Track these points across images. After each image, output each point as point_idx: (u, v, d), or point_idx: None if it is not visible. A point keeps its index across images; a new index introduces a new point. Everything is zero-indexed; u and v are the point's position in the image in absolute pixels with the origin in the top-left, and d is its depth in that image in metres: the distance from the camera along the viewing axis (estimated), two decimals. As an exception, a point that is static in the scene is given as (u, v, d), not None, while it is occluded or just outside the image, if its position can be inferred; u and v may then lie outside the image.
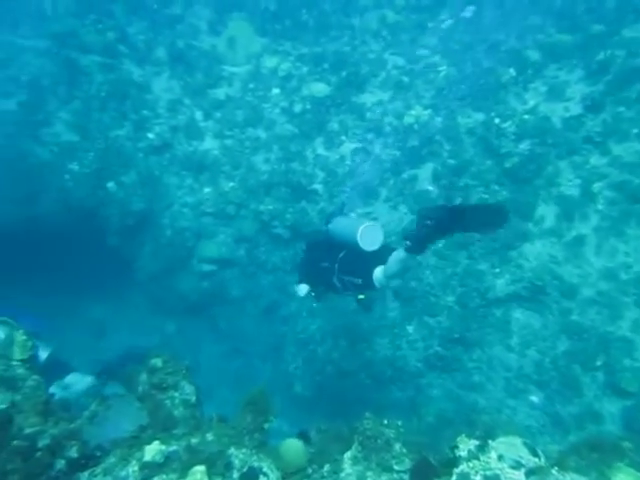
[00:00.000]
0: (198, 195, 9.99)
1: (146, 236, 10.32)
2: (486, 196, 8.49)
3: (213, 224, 10.01)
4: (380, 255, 4.86)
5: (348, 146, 9.67)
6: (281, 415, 9.21)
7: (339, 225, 5.31)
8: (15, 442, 2.77)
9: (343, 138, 9.80)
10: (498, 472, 3.01)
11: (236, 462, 3.08)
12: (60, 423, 3.27)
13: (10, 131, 9.31)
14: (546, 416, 7.63)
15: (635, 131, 8.16)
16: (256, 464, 3.00)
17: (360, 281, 5.03)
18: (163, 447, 2.99)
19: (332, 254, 5.31)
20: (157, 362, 3.68)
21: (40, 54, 10.08)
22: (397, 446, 3.31)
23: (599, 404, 7.38)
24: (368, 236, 4.83)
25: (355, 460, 3.26)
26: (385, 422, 3.43)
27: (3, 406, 3.43)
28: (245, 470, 2.95)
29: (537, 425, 7.61)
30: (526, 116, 8.37)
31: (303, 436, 3.53)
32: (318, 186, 9.60)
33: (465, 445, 3.28)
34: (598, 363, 7.50)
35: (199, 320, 10.53)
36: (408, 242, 4.32)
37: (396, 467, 3.22)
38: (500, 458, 3.12)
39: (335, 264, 5.25)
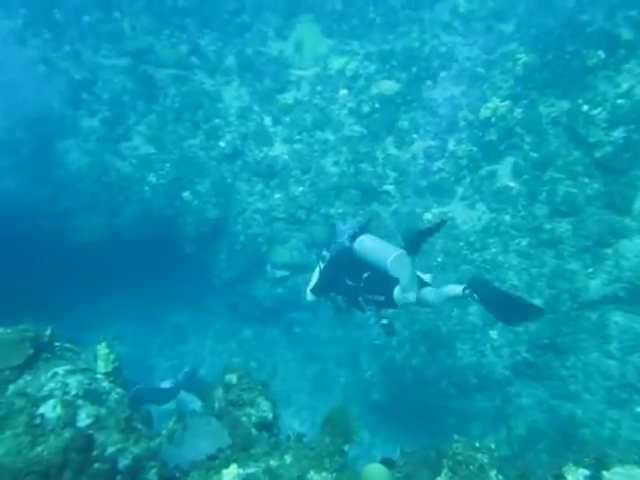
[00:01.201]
0: (269, 201, 9.99)
1: (221, 243, 10.47)
2: (574, 190, 7.83)
3: (285, 229, 9.97)
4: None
5: (420, 144, 9.29)
6: (361, 422, 9.06)
7: (367, 248, 5.31)
8: (97, 465, 2.74)
9: (414, 136, 9.43)
10: (616, 510, 2.62)
11: (317, 487, 2.90)
12: (141, 441, 3.23)
13: (94, 147, 9.76)
14: (655, 430, 6.89)
15: None
16: (338, 491, 2.80)
17: (383, 298, 5.17)
18: (241, 470, 2.87)
19: (357, 273, 5.36)
20: (232, 378, 3.59)
21: (120, 72, 10.49)
22: (492, 473, 2.99)
23: None
24: (397, 264, 4.96)
25: (446, 487, 2.98)
26: (477, 445, 3.11)
27: (89, 420, 3.45)
28: (327, 497, 2.75)
29: (645, 440, 6.89)
30: (620, 100, 7.62)
31: (388, 462, 3.28)
32: (389, 187, 9.29)
33: (573, 475, 2.91)
34: None
35: (274, 326, 10.54)
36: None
37: (492, 497, 2.90)
38: (616, 493, 2.72)
39: (360, 283, 5.32)
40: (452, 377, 8.09)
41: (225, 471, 2.86)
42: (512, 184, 8.43)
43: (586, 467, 2.89)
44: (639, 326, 7.28)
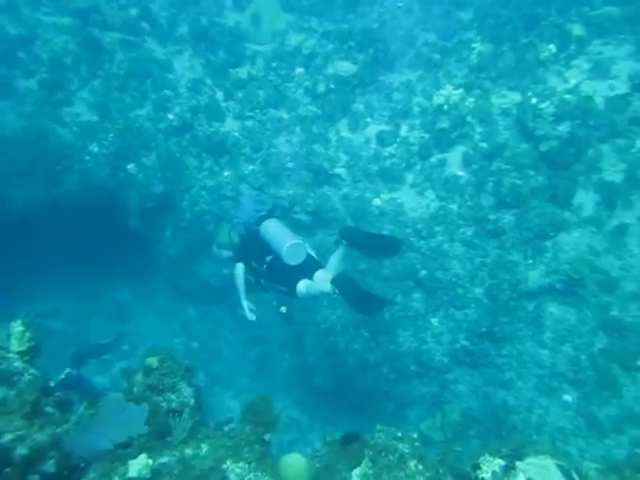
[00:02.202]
0: (218, 178, 9.71)
1: (167, 219, 10.14)
2: (520, 182, 7.95)
3: (232, 207, 9.73)
4: (306, 268, 5.39)
5: (374, 128, 9.20)
6: (301, 407, 9.07)
7: (269, 232, 5.55)
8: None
9: (368, 120, 9.32)
10: (527, 502, 2.64)
11: (232, 477, 2.79)
12: (47, 427, 3.03)
13: (31, 111, 9.17)
14: (581, 417, 7.18)
15: (688, 112, 7.49)
16: (252, 482, 2.70)
17: (285, 289, 5.47)
18: (151, 460, 2.72)
19: (261, 255, 5.63)
20: (153, 362, 3.41)
21: (62, 31, 9.84)
22: (412, 463, 2.96)
23: None
24: (293, 252, 5.25)
25: (365, 478, 2.93)
26: (399, 435, 3.08)
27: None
28: (240, 489, 2.65)
29: (571, 427, 7.18)
30: (567, 96, 7.74)
31: (350, 437, 3.19)
32: (341, 170, 9.18)
33: (489, 465, 2.92)
34: (639, 363, 6.99)
35: (219, 307, 10.35)
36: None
37: (410, 488, 2.88)
38: (529, 485, 2.74)
39: (263, 265, 5.60)
40: (393, 363, 8.16)
41: (133, 462, 2.71)
42: (461, 173, 8.47)
43: (502, 457, 2.90)
44: (572, 317, 7.52)
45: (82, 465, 2.79)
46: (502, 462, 2.89)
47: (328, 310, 8.98)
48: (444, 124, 8.49)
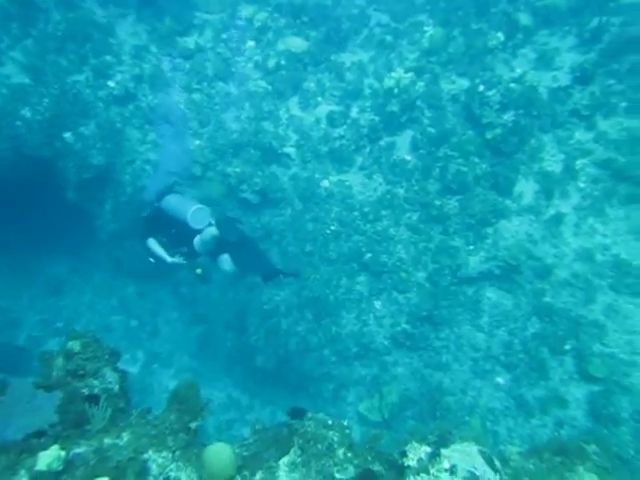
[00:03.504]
0: (162, 152, 9.32)
1: (106, 193, 9.69)
2: (465, 169, 8.06)
3: (177, 184, 9.38)
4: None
5: (324, 108, 9.06)
6: (242, 387, 9.00)
7: (171, 205, 6.02)
8: None
9: (319, 99, 9.17)
10: (449, 489, 2.67)
11: (153, 468, 2.68)
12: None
13: None
14: (511, 398, 7.46)
15: (623, 105, 7.78)
16: (174, 473, 2.60)
17: (186, 249, 5.93)
18: (63, 452, 2.56)
19: (167, 229, 6.03)
20: (75, 345, 3.22)
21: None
22: (341, 451, 2.95)
23: (565, 388, 7.23)
24: (197, 217, 5.73)
25: (292, 467, 2.89)
26: (330, 423, 3.05)
27: None
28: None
29: (501, 407, 7.46)
30: (512, 85, 7.85)
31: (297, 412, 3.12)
32: (290, 149, 9.01)
33: (415, 453, 2.94)
34: (567, 347, 7.33)
35: (161, 285, 10.06)
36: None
37: (338, 475, 2.87)
38: (453, 471, 2.78)
39: (169, 237, 6.03)
40: (335, 345, 8.20)
41: (43, 453, 2.55)
42: (409, 158, 8.50)
43: (429, 444, 2.93)
44: (508, 302, 7.76)
45: (-13, 457, 2.60)
46: (428, 449, 2.92)
47: (272, 291, 8.90)
48: (394, 107, 8.45)
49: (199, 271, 6.05)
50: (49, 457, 2.52)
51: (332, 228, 8.67)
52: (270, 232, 9.22)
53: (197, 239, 5.84)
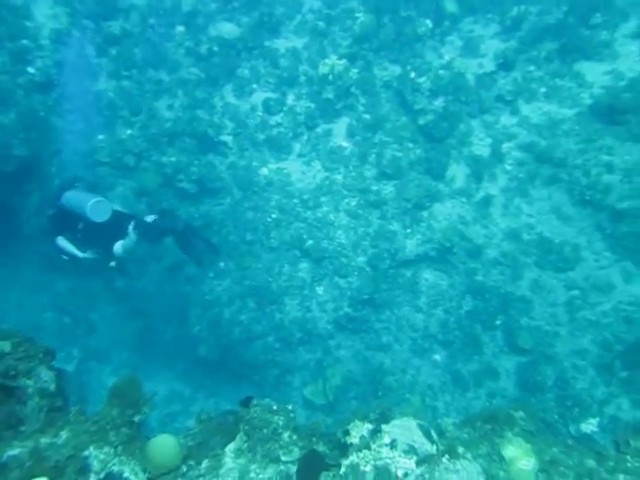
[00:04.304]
0: (91, 141, 8.95)
1: (32, 186, 9.20)
2: (400, 154, 8.27)
3: (110, 175, 9.07)
4: (116, 227, 5.90)
5: (260, 95, 8.99)
6: (185, 379, 8.89)
7: (70, 200, 5.99)
8: None
9: (255, 86, 9.08)
10: (389, 461, 2.80)
11: (95, 464, 2.64)
12: None
13: None
14: (448, 374, 7.82)
15: (543, 91, 8.22)
16: (117, 467, 2.57)
17: (102, 251, 5.97)
18: (-3, 455, 2.48)
19: (73, 225, 6.00)
20: (5, 346, 3.09)
21: None
22: (286, 435, 3.01)
23: (497, 361, 7.66)
24: (97, 210, 5.68)
25: (239, 453, 2.93)
26: (275, 408, 3.11)
27: None
28: (102, 476, 2.51)
29: (439, 383, 7.79)
30: (441, 71, 8.12)
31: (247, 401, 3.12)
32: (227, 138, 8.90)
33: (358, 431, 3.05)
34: (498, 322, 7.74)
35: (94, 279, 9.69)
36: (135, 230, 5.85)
37: (284, 458, 2.93)
38: (393, 445, 2.91)
39: (78, 234, 6.00)
40: (279, 332, 8.25)
41: (-25, 458, 2.45)
42: (345, 144, 8.62)
43: (370, 422, 3.04)
44: (444, 283, 8.10)
45: None
46: (370, 426, 3.03)
47: (214, 281, 8.82)
48: (329, 94, 8.52)
49: (113, 264, 6.04)
50: (-19, 462, 2.43)
51: (273, 216, 8.67)
52: (210, 222, 9.09)
53: (119, 248, 5.88)
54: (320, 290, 8.42)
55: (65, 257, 6.29)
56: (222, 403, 8.13)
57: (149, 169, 9.04)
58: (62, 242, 6.19)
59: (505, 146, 8.14)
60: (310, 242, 8.43)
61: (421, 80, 8.08)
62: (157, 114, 9.02)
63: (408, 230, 8.23)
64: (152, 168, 9.02)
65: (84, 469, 2.58)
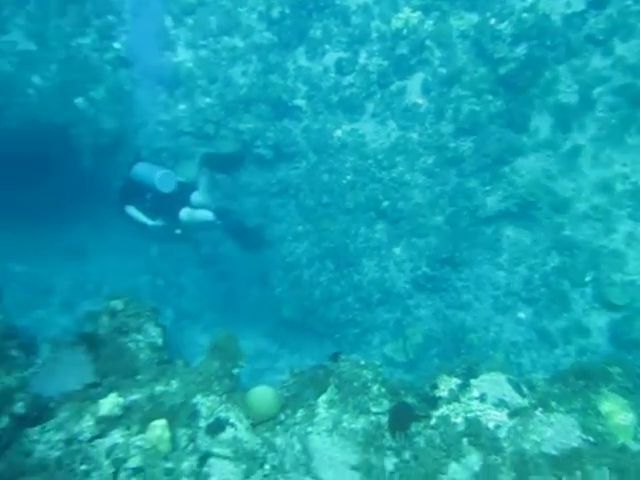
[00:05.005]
0: (173, 112, 9.34)
1: (122, 157, 9.77)
2: (478, 108, 7.95)
3: (192, 144, 9.44)
4: (180, 197, 6.43)
5: (332, 56, 8.90)
6: (270, 337, 9.33)
7: (139, 173, 6.52)
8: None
9: (327, 47, 8.98)
10: (480, 414, 2.85)
11: (203, 411, 2.91)
12: (13, 371, 3.05)
13: None
14: (533, 332, 7.64)
15: (643, 27, 7.50)
16: (223, 414, 2.82)
17: (168, 217, 6.47)
18: (121, 399, 2.79)
19: (141, 196, 6.53)
20: (118, 304, 3.42)
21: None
22: (375, 388, 3.14)
23: (587, 318, 7.37)
24: (164, 181, 6.22)
25: (331, 404, 3.10)
26: (363, 363, 3.24)
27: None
28: (211, 421, 2.76)
29: (523, 340, 7.65)
30: (524, 14, 7.59)
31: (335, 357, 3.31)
32: (301, 101, 8.95)
33: (446, 384, 3.12)
34: (587, 278, 7.41)
35: (183, 244, 10.26)
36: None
37: (374, 409, 3.07)
38: (482, 398, 2.96)
39: (146, 204, 6.53)
40: (358, 292, 8.41)
41: (103, 400, 2.78)
42: (420, 101, 8.40)
43: (458, 376, 3.10)
44: (526, 239, 7.83)
45: (52, 405, 2.85)
46: (458, 380, 3.09)
47: (293, 244, 9.08)
48: (403, 50, 8.29)
49: (178, 231, 6.57)
50: (109, 404, 2.75)
51: (348, 178, 8.70)
52: (287, 186, 9.30)
53: (184, 215, 6.41)
54: (397, 250, 8.44)
55: (152, 223, 6.80)
56: (306, 359, 8.47)
57: (228, 137, 9.31)
58: (132, 211, 6.72)
59: (596, 91, 7.57)
60: (386, 203, 8.42)
61: (502, 26, 7.62)
62: (232, 81, 9.20)
63: (488, 187, 7.98)
64: (230, 136, 9.28)
65: (194, 414, 2.86)
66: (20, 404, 2.74)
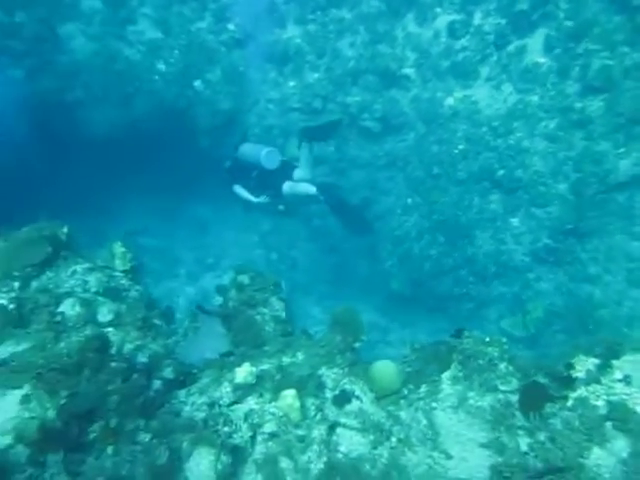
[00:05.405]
0: (283, 89, 9.52)
1: (235, 136, 10.19)
2: (611, 62, 7.18)
3: (300, 120, 9.58)
4: (283, 173, 6.73)
5: (443, 19, 8.48)
6: (380, 311, 9.37)
7: (245, 152, 6.88)
8: (114, 364, 2.86)
9: (438, 10, 8.56)
10: (625, 397, 2.64)
11: (328, 382, 3.00)
12: (158, 338, 3.35)
13: (99, 32, 9.09)
14: (678, 307, 6.91)
15: None
16: (348, 386, 2.89)
17: (272, 192, 6.76)
18: (254, 368, 2.96)
19: (247, 174, 6.91)
20: (244, 279, 3.61)
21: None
22: (502, 365, 3.03)
23: None
24: (269, 158, 6.55)
25: (455, 380, 3.05)
26: (487, 340, 3.13)
27: (110, 316, 3.58)
28: (337, 393, 2.85)
29: (665, 317, 6.95)
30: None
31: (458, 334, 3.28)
32: (409, 70, 8.68)
33: (583, 365, 2.93)
34: None
35: (294, 219, 10.56)
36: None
37: (502, 387, 2.97)
38: (627, 381, 2.73)
39: (252, 182, 6.90)
40: (471, 265, 8.13)
41: (239, 369, 2.97)
42: (542, 60, 7.76)
43: (596, 357, 2.89)
44: (668, 206, 7.04)
45: (194, 372, 3.11)
46: (596, 360, 2.89)
47: (402, 217, 8.96)
48: (523, 5, 7.67)
49: (281, 207, 6.89)
50: (244, 372, 2.94)
51: (460, 147, 8.36)
52: (394, 159, 9.15)
53: (287, 187, 6.65)
54: (515, 222, 8.01)
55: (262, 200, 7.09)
56: (418, 334, 8.41)
57: (335, 110, 9.31)
58: (239, 189, 7.11)
59: None
60: (501, 172, 7.99)
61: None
62: (340, 54, 9.13)
63: (621, 149, 7.23)
64: (338, 109, 9.28)
65: (321, 385, 2.96)
66: (169, 369, 3.03)
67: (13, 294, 3.32)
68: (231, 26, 9.29)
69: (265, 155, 6.53)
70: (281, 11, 9.40)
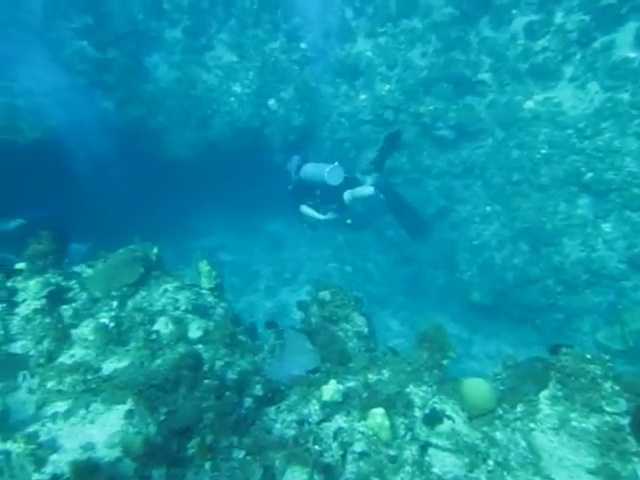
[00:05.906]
0: (355, 103, 9.55)
1: (308, 151, 10.34)
2: None
3: (372, 132, 9.57)
4: (347, 188, 6.80)
5: (520, 21, 8.17)
6: (459, 322, 9.07)
7: (308, 172, 6.94)
8: (207, 381, 2.94)
9: (514, 12, 8.27)
10: None
11: (416, 401, 2.91)
12: (246, 355, 3.41)
13: (180, 60, 9.59)
14: None
15: None
16: (438, 405, 2.78)
17: (336, 205, 6.88)
18: (340, 386, 2.93)
19: (312, 193, 7.03)
20: (326, 295, 3.61)
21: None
22: (607, 385, 2.81)
23: None
24: (333, 174, 6.61)
25: (554, 400, 2.86)
26: (588, 357, 2.92)
27: (200, 333, 3.70)
28: (427, 412, 2.75)
29: None
30: None
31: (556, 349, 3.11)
32: (485, 75, 8.42)
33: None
34: None
35: (366, 231, 10.51)
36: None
37: (608, 409, 2.74)
38: None
39: (317, 200, 7.03)
40: (559, 274, 7.69)
41: (325, 387, 2.95)
42: (633, 54, 7.26)
43: None
44: None
45: (282, 388, 3.13)
46: None
47: (480, 226, 8.67)
48: (610, -1, 7.23)
49: (349, 221, 6.93)
50: (331, 390, 2.93)
51: (542, 152, 7.99)
52: (471, 166, 8.89)
53: (347, 195, 6.78)
54: (607, 227, 7.50)
55: (306, 224, 7.42)
56: (502, 346, 8.05)
57: (407, 121, 9.21)
58: (305, 209, 7.22)
59: None
60: (590, 175, 7.53)
61: None
62: (412, 64, 9.04)
63: None
64: (410, 119, 9.17)
65: (409, 404, 2.88)
66: (258, 387, 3.07)
67: (113, 313, 3.52)
68: (303, 45, 9.47)
69: (329, 172, 6.62)
70: (351, 26, 9.45)
